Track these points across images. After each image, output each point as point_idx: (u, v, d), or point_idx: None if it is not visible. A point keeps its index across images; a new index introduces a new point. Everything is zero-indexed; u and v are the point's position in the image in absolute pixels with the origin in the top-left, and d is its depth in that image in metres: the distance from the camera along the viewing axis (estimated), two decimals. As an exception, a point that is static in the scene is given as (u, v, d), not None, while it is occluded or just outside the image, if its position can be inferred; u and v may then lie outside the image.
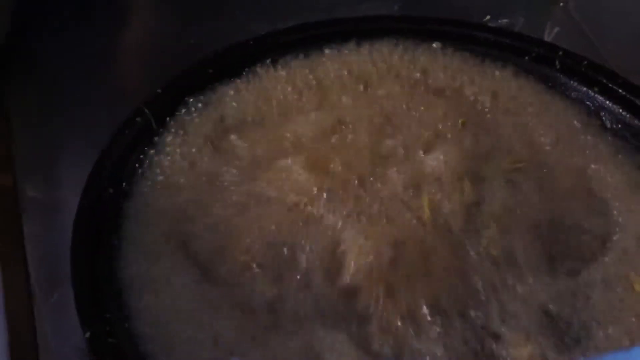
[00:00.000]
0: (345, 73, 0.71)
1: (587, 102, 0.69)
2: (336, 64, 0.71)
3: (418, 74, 0.71)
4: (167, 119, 0.66)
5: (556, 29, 0.83)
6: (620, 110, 0.68)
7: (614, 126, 0.68)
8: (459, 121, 0.66)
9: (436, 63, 0.72)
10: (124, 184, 0.61)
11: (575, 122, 0.68)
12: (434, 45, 0.73)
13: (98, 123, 0.72)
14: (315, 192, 0.61)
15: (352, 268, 0.57)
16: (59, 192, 0.68)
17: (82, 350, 0.57)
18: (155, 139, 0.65)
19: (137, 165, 0.63)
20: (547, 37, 0.83)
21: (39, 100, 0.77)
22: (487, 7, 0.85)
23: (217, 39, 0.77)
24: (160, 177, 0.63)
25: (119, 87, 0.78)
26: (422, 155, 0.64)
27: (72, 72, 0.78)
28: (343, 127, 0.66)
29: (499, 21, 0.83)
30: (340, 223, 0.59)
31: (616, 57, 0.79)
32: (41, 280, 0.61)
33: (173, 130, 0.66)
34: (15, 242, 0.64)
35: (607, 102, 0.68)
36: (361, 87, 0.70)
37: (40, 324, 0.59)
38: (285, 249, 0.58)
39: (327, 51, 0.72)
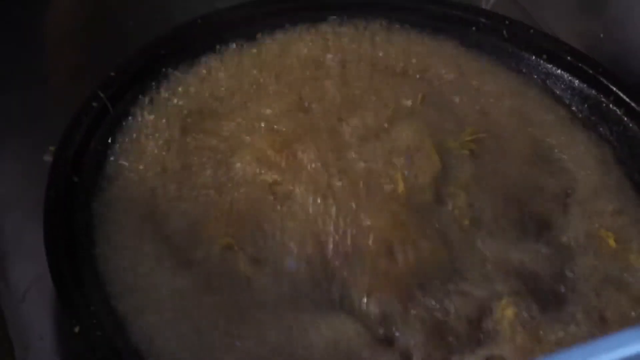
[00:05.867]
0: (302, 54, 0.70)
1: (536, 70, 0.71)
2: (292, 44, 0.71)
3: (370, 51, 0.71)
4: (125, 102, 0.64)
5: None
6: (568, 77, 0.70)
7: (563, 92, 0.70)
8: (419, 96, 0.67)
9: (388, 39, 0.73)
10: (89, 171, 0.59)
11: (526, 90, 0.70)
12: (384, 21, 0.73)
13: (46, 104, 0.70)
14: (286, 171, 0.60)
15: (329, 244, 0.57)
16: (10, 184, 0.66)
17: (58, 346, 0.56)
18: (115, 123, 0.63)
19: (101, 151, 0.61)
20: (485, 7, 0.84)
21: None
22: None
23: (168, 16, 0.76)
24: (126, 163, 0.61)
25: (67, 67, 0.76)
26: (388, 131, 0.64)
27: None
28: (307, 107, 0.66)
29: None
30: (313, 200, 0.59)
31: (550, 25, 0.81)
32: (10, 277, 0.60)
33: (134, 113, 0.64)
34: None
35: (556, 69, 0.70)
36: (319, 68, 0.69)
37: (14, 320, 0.57)
38: (260, 229, 0.58)
39: (285, 30, 0.71)
